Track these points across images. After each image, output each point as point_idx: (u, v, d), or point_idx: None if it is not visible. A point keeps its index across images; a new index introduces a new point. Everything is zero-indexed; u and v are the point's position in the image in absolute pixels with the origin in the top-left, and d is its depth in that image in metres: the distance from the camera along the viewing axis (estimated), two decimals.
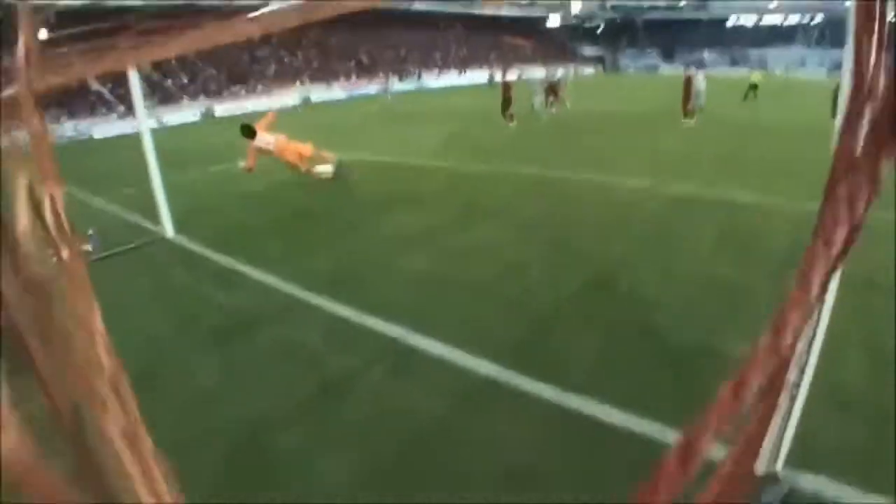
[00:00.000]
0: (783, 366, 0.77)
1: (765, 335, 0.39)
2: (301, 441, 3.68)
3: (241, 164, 10.13)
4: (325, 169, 10.36)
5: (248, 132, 9.90)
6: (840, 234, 0.44)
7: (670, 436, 3.35)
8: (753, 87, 24.39)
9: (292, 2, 4.93)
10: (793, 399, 2.67)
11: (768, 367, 0.38)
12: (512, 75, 23.60)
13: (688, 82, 17.61)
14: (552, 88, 22.06)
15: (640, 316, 5.02)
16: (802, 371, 2.62)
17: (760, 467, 2.75)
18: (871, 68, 1.24)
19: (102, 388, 0.90)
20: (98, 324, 1.17)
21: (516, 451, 3.43)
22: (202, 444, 3.68)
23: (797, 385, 2.64)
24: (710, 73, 24.70)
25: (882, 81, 0.82)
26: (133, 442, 0.81)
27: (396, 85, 46.81)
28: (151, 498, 0.82)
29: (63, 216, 1.09)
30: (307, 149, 10.19)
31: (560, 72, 28.43)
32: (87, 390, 0.86)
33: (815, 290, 0.41)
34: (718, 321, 4.80)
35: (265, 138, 9.96)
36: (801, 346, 2.14)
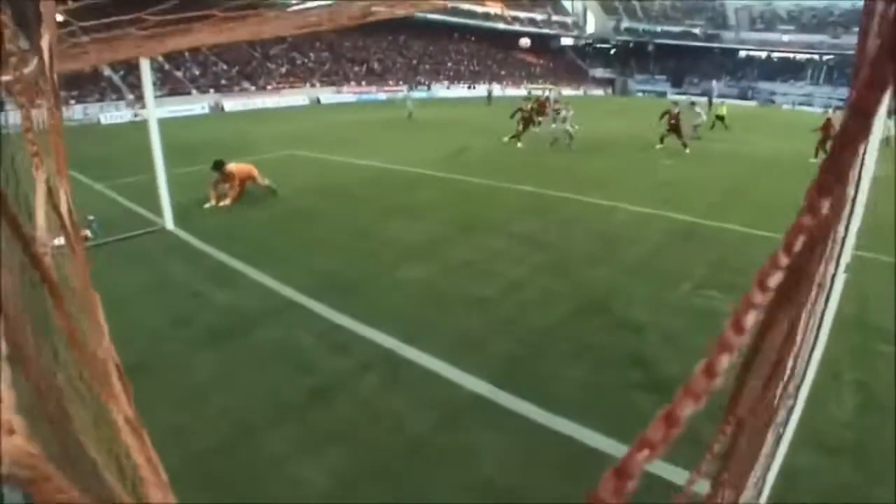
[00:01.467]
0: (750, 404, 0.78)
1: (695, 375, 0.41)
2: (285, 443, 3.67)
3: (214, 202, 10.17)
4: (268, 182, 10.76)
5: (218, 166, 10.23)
6: (775, 278, 0.45)
7: (657, 463, 3.33)
8: (720, 118, 24.39)
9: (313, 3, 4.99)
10: (779, 437, 2.66)
11: (698, 403, 0.40)
12: (519, 91, 23.45)
13: (673, 116, 17.74)
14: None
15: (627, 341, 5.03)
16: (790, 413, 2.61)
17: None
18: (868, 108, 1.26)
19: (110, 376, 0.91)
20: (101, 313, 1.17)
21: (498, 469, 3.42)
22: (190, 436, 3.68)
23: (784, 424, 2.64)
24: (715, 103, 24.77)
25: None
26: (135, 430, 0.81)
27: (405, 93, 47.10)
28: (158, 490, 0.82)
29: (73, 208, 1.10)
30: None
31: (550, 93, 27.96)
32: (94, 377, 0.86)
33: (745, 332, 0.43)
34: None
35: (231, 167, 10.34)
36: (791, 387, 2.14)
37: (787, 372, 1.75)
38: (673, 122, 17.82)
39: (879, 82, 0.40)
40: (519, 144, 18.17)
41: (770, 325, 0.70)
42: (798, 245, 0.44)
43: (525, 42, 28.45)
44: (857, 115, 0.41)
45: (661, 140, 17.99)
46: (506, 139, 18.68)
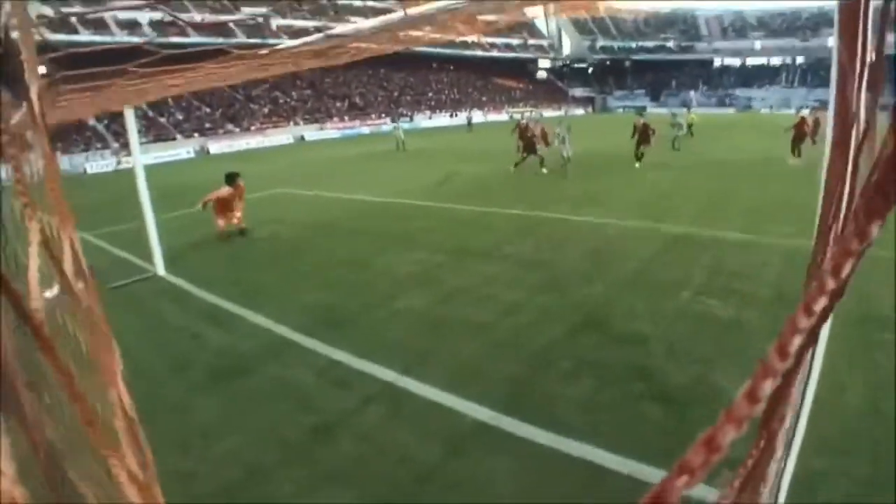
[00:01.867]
0: (768, 422, 0.77)
1: (738, 401, 0.40)
2: (292, 483, 3.59)
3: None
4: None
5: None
6: (821, 303, 0.44)
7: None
8: (689, 126, 24.46)
9: (291, 43, 5.05)
10: (789, 442, 2.64)
11: (740, 429, 0.38)
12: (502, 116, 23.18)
13: (644, 128, 17.39)
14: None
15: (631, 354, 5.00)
16: (798, 416, 2.60)
17: None
18: (856, 107, 1.27)
19: (120, 432, 0.88)
20: (117, 361, 1.15)
21: (509, 496, 3.36)
22: (195, 479, 3.59)
23: (793, 430, 2.62)
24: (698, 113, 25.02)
25: (868, 123, 0.84)
26: (144, 489, 0.79)
27: (388, 126, 47.52)
28: None
29: (81, 255, 1.09)
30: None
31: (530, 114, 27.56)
32: (97, 431, 0.83)
33: (791, 359, 0.42)
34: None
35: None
36: (796, 390, 2.13)
37: (798, 378, 1.74)
38: (642, 134, 17.41)
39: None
40: (544, 170, 16.92)
41: (806, 347, 0.69)
42: (846, 270, 0.43)
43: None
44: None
45: (638, 158, 17.51)
46: (512, 168, 17.57)
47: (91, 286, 1.20)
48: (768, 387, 0.38)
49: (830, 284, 0.42)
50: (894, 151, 0.41)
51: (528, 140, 17.63)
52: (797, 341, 0.40)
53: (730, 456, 0.37)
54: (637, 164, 17.16)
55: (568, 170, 16.56)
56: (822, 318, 0.44)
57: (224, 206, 10.53)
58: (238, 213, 10.72)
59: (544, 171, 16.75)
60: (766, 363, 0.39)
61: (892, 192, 0.41)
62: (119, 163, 29.38)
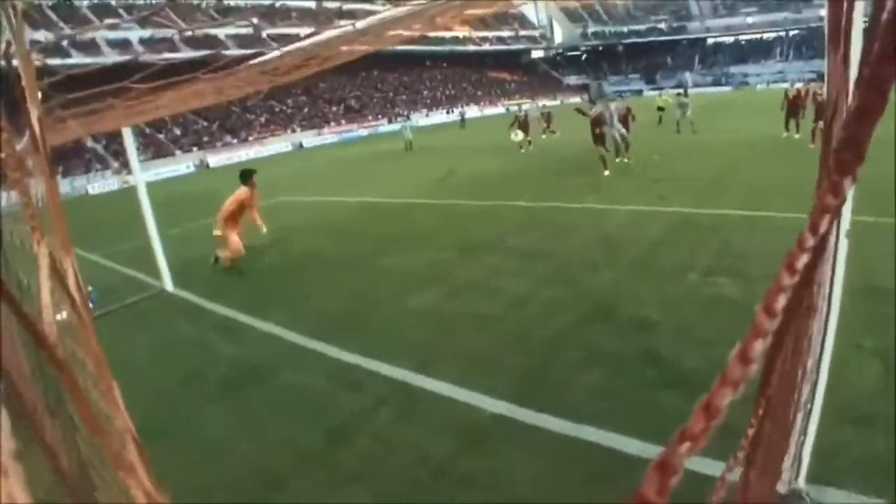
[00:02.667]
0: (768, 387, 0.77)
1: (731, 362, 0.41)
2: (310, 487, 3.61)
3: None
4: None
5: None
6: (802, 259, 0.45)
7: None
8: (661, 109, 23.89)
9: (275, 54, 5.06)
10: (807, 416, 2.64)
11: (736, 391, 0.39)
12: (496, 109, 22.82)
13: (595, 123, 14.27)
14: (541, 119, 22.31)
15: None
16: (814, 388, 2.60)
17: (782, 486, 2.70)
18: (841, 77, 1.27)
19: (128, 451, 0.89)
20: (112, 383, 1.16)
21: (528, 484, 3.37)
22: (214, 493, 3.62)
23: (811, 400, 2.62)
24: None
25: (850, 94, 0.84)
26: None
27: (385, 127, 47.58)
28: None
29: (81, 281, 1.10)
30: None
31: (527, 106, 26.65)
32: (110, 453, 0.85)
33: (777, 315, 0.43)
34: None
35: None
36: (810, 363, 2.13)
37: (808, 348, 1.74)
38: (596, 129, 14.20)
39: (893, 55, 0.40)
40: (606, 172, 13.52)
41: (793, 305, 0.70)
42: (823, 226, 0.44)
43: None
44: (871, 89, 0.41)
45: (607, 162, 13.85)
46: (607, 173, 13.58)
47: (88, 311, 1.22)
48: (759, 347, 0.39)
49: (809, 241, 0.43)
50: (858, 108, 0.42)
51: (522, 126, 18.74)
52: (782, 299, 0.41)
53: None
54: (606, 173, 13.46)
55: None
56: (807, 275, 0.45)
57: (234, 218, 9.04)
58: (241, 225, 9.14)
59: (608, 171, 13.35)
60: (754, 323, 0.40)
61: (860, 148, 0.42)
62: (125, 182, 29.50)
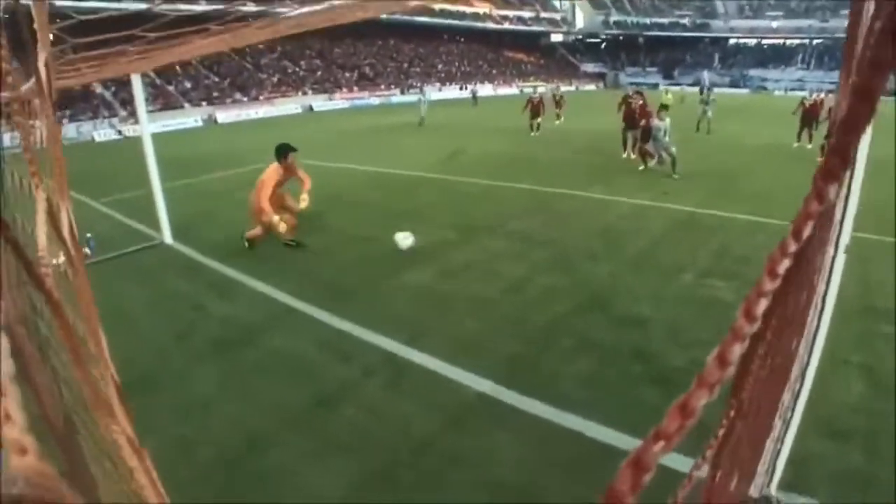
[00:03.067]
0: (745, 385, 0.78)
1: (709, 364, 0.41)
2: (293, 452, 3.66)
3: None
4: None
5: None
6: (784, 264, 0.45)
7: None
8: (665, 107, 22.82)
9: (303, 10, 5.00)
10: (786, 423, 2.67)
11: (712, 393, 0.40)
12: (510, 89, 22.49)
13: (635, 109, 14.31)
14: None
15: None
16: (796, 395, 2.62)
17: (755, 491, 2.74)
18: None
19: (111, 395, 0.91)
20: (102, 334, 1.17)
21: (508, 467, 3.42)
22: (197, 448, 3.68)
23: (791, 409, 2.65)
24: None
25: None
26: (136, 451, 0.82)
27: (397, 97, 47.14)
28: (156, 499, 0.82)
29: (75, 226, 1.10)
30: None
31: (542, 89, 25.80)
32: (93, 397, 0.86)
33: (757, 319, 0.43)
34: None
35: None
36: (795, 371, 2.15)
37: (793, 355, 1.76)
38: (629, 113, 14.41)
39: (881, 64, 0.40)
40: (643, 167, 13.10)
41: (773, 311, 0.70)
42: (807, 231, 0.44)
43: None
44: (860, 98, 0.41)
45: (626, 145, 14.86)
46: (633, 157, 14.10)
47: (81, 259, 1.22)
48: (737, 350, 0.39)
49: (792, 246, 0.43)
50: (846, 117, 0.42)
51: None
52: (763, 304, 0.41)
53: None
54: (641, 167, 12.99)
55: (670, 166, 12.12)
56: (787, 280, 0.45)
57: (279, 199, 7.81)
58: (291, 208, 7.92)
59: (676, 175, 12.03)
60: (733, 327, 0.41)
61: (846, 155, 0.42)
62: (120, 133, 29.34)
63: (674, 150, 11.89)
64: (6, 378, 0.43)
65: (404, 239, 7.50)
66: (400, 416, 4.00)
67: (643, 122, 13.35)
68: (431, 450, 3.63)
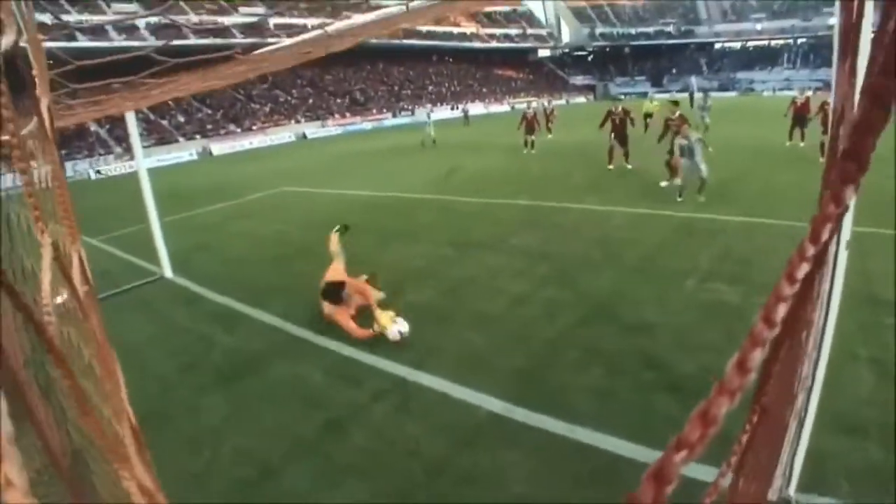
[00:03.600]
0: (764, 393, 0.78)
1: (729, 372, 0.41)
2: (305, 479, 3.62)
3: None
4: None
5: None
6: (803, 269, 0.45)
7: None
8: (649, 115, 21.42)
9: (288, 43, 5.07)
10: (801, 424, 2.65)
11: (733, 400, 0.39)
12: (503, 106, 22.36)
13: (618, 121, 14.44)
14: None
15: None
16: (808, 396, 2.60)
17: (773, 493, 2.71)
18: (846, 86, 1.27)
19: (126, 441, 0.90)
20: (118, 371, 1.17)
21: (523, 484, 3.38)
22: (209, 480, 3.64)
23: (804, 410, 2.63)
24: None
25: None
26: (149, 495, 0.80)
27: (389, 121, 47.47)
28: None
29: (87, 267, 1.10)
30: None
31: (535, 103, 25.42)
32: (103, 443, 0.85)
33: (777, 325, 0.43)
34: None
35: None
36: (806, 371, 2.13)
37: (804, 356, 1.74)
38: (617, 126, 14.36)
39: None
40: (666, 183, 11.86)
41: (793, 316, 0.70)
42: (825, 235, 0.44)
43: None
44: (875, 102, 0.41)
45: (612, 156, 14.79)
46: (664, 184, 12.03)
47: (94, 299, 1.21)
48: (758, 356, 0.39)
49: (810, 250, 0.43)
50: (861, 119, 0.42)
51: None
52: (782, 309, 0.41)
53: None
54: (663, 183, 11.99)
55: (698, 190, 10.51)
56: (807, 285, 0.45)
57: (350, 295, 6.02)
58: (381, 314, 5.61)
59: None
60: (752, 333, 0.41)
61: (863, 159, 0.42)
62: (98, 172, 29.45)
63: (705, 170, 10.36)
64: (6, 441, 0.43)
65: (395, 326, 5.52)
66: (411, 439, 3.96)
67: (677, 137, 11.12)
68: (444, 471, 3.59)
